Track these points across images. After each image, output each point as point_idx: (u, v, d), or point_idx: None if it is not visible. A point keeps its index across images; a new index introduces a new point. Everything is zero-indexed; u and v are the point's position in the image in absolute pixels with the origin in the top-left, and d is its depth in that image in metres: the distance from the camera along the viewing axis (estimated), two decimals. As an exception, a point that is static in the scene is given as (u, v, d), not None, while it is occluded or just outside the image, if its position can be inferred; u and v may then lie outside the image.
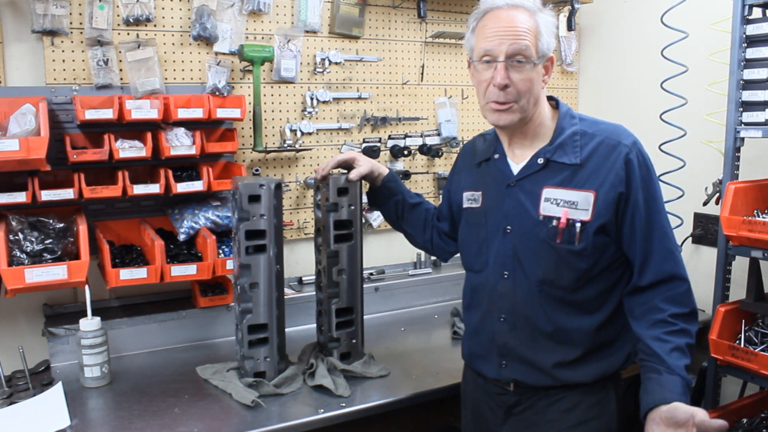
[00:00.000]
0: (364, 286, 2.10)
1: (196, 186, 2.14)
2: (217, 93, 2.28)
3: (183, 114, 2.10)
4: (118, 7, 2.17)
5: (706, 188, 2.44)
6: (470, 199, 1.70)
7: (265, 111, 2.46)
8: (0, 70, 2.07)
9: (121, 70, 2.19)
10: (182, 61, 2.31)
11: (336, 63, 2.61)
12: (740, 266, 2.13)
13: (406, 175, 2.76)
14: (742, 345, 2.01)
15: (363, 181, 1.96)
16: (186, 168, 2.24)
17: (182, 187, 2.11)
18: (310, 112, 2.57)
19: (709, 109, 2.38)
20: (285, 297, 2.00)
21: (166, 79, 2.27)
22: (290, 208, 2.59)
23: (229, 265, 2.14)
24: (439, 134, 2.87)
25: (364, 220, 2.63)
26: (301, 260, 2.64)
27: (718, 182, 2.35)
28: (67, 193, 1.96)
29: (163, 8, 2.26)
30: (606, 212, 1.50)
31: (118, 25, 2.19)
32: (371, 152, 2.65)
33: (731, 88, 2.05)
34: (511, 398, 1.63)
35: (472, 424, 1.76)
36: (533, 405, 1.61)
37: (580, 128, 1.57)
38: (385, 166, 1.99)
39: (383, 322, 2.56)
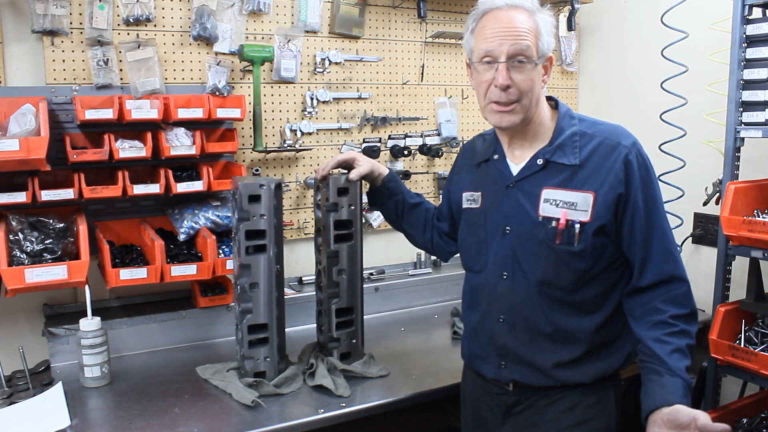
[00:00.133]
0: (364, 286, 2.10)
1: (196, 186, 2.14)
2: (217, 93, 2.28)
3: (183, 114, 2.10)
4: (118, 7, 2.17)
5: (706, 188, 2.44)
6: (470, 200, 1.70)
7: (265, 111, 2.46)
8: (0, 70, 2.07)
9: (121, 70, 2.20)
10: (182, 61, 2.32)
11: (336, 63, 2.61)
12: (740, 266, 2.13)
13: (406, 175, 2.76)
14: (742, 345, 2.01)
15: (363, 181, 1.96)
16: (186, 168, 2.24)
17: (182, 187, 2.11)
18: (310, 112, 2.57)
19: (709, 109, 2.38)
20: (285, 297, 2.00)
21: (166, 79, 2.27)
22: (290, 208, 2.59)
23: (229, 265, 2.14)
24: (439, 134, 2.87)
25: (364, 220, 2.63)
26: (301, 260, 2.64)
27: (718, 182, 2.35)
28: (67, 193, 1.96)
29: (163, 8, 2.26)
30: (605, 213, 1.50)
31: (118, 25, 2.19)
32: (371, 152, 2.65)
33: (731, 88, 2.05)
34: (510, 398, 1.63)
35: (472, 424, 1.77)
36: (532, 405, 1.61)
37: (580, 129, 1.56)
38: (385, 166, 1.99)
39: (383, 322, 2.56)
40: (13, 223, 1.95)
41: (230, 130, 2.31)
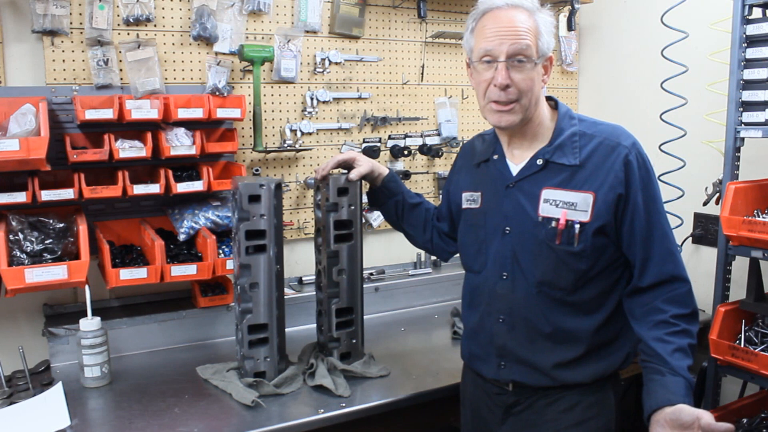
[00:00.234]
0: (364, 286, 2.10)
1: (196, 186, 2.14)
2: (217, 93, 2.28)
3: (183, 114, 2.10)
4: (118, 7, 2.17)
5: (706, 188, 2.44)
6: (469, 200, 1.70)
7: (265, 111, 2.46)
8: (0, 70, 2.07)
9: (121, 70, 2.20)
10: (182, 61, 2.32)
11: (336, 63, 2.61)
12: (740, 266, 2.13)
13: (406, 175, 2.76)
14: (742, 345, 2.01)
15: (363, 181, 1.96)
16: (186, 168, 2.24)
17: (182, 187, 2.11)
18: (310, 112, 2.57)
19: (709, 109, 2.38)
20: (285, 297, 2.00)
21: (166, 79, 2.27)
22: (290, 208, 2.59)
23: (229, 265, 2.14)
24: (439, 134, 2.87)
25: (364, 220, 2.63)
26: (301, 260, 2.64)
27: (718, 182, 2.35)
28: (67, 193, 1.96)
29: (163, 8, 2.26)
30: (605, 213, 1.50)
31: (118, 25, 2.19)
32: (371, 152, 2.65)
33: (731, 88, 2.05)
34: (509, 398, 1.63)
35: (471, 424, 1.76)
36: (532, 405, 1.61)
37: (579, 129, 1.56)
38: (385, 166, 1.99)
39: (383, 322, 2.56)
40: (13, 223, 1.95)
41: (230, 130, 2.31)
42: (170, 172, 2.12)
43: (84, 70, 2.15)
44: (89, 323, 1.93)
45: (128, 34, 2.21)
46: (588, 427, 1.58)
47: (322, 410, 1.78)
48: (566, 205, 1.52)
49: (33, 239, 1.95)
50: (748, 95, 2.02)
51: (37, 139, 1.82)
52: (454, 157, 1.90)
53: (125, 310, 2.29)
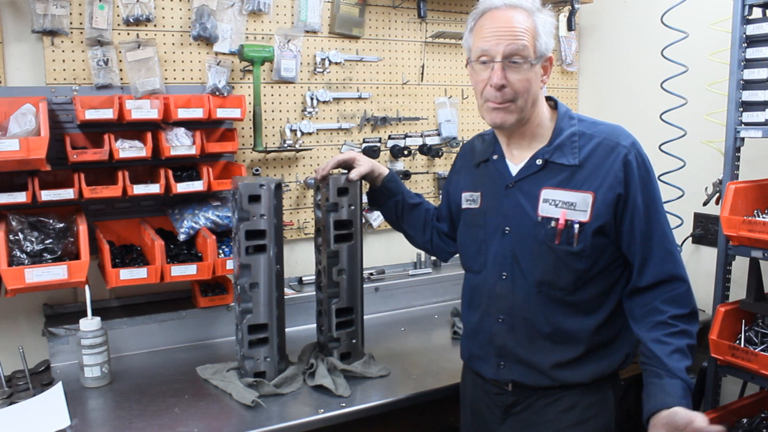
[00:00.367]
0: (364, 286, 2.10)
1: (196, 186, 2.14)
2: (217, 93, 2.28)
3: (183, 114, 2.10)
4: (118, 7, 2.17)
5: (706, 188, 2.44)
6: (469, 200, 1.70)
7: (265, 111, 2.46)
8: (0, 70, 2.07)
9: (121, 70, 2.20)
10: (182, 61, 2.32)
11: (336, 63, 2.61)
12: (740, 266, 2.13)
13: (406, 175, 2.76)
14: (742, 345, 2.01)
15: (363, 181, 1.96)
16: (186, 168, 2.24)
17: (182, 187, 2.11)
18: (310, 112, 2.57)
19: (709, 109, 2.38)
20: (285, 297, 2.00)
21: (166, 79, 2.27)
22: (290, 208, 2.59)
23: (229, 265, 2.14)
24: (439, 134, 2.87)
25: (364, 220, 2.63)
26: (301, 260, 2.64)
27: (718, 182, 2.35)
28: (67, 193, 1.97)
29: (163, 8, 2.26)
30: (605, 213, 1.50)
31: (118, 25, 2.19)
32: (371, 152, 2.65)
33: (731, 88, 2.05)
34: (509, 398, 1.63)
35: (471, 423, 1.77)
36: (532, 405, 1.61)
37: (579, 129, 1.56)
38: (385, 166, 1.99)
39: (383, 322, 2.57)
40: (13, 223, 1.95)
41: (230, 130, 2.31)
42: (170, 172, 2.12)
43: (84, 70, 2.15)
44: (89, 323, 1.93)
45: (128, 34, 2.21)
46: (587, 427, 1.58)
47: (322, 410, 1.78)
48: (565, 205, 1.52)
49: (33, 239, 1.95)
50: (748, 95, 2.02)
51: (37, 139, 1.82)
52: (454, 157, 1.90)
53: (125, 310, 2.29)
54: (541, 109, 1.59)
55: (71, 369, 2.02)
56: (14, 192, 1.90)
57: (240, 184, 1.84)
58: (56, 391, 1.87)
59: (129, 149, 2.06)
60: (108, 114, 2.02)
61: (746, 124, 2.04)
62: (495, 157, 1.66)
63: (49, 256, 1.95)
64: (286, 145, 2.51)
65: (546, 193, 1.54)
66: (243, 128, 2.42)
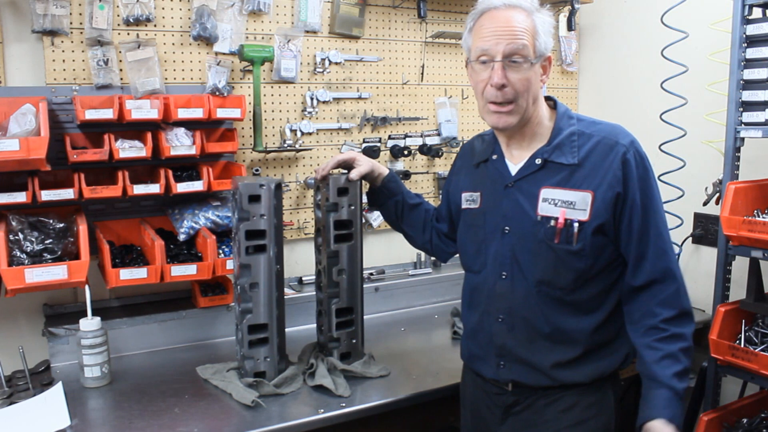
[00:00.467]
0: (364, 286, 2.10)
1: (196, 186, 2.14)
2: (217, 93, 2.28)
3: (183, 114, 2.10)
4: (118, 7, 2.17)
5: (706, 188, 2.44)
6: (469, 200, 1.70)
7: (265, 111, 2.46)
8: (0, 70, 2.07)
9: (121, 70, 2.20)
10: (182, 61, 2.32)
11: (336, 63, 2.61)
12: (740, 266, 2.13)
13: (406, 175, 2.76)
14: (742, 345, 2.01)
15: (363, 181, 1.96)
16: (186, 168, 2.24)
17: (182, 187, 2.11)
18: (310, 112, 2.57)
19: (709, 109, 2.38)
20: (285, 297, 2.00)
21: (166, 79, 2.27)
22: (290, 208, 2.59)
23: (229, 265, 2.14)
24: (439, 134, 2.87)
25: (364, 220, 2.63)
26: (301, 260, 2.64)
27: (718, 182, 2.35)
28: (67, 193, 1.97)
29: (163, 8, 2.26)
30: (604, 212, 1.50)
31: (118, 25, 2.19)
32: (371, 152, 2.65)
33: (731, 88, 2.05)
34: (509, 398, 1.63)
35: (471, 423, 1.77)
36: (531, 405, 1.61)
37: (578, 128, 1.57)
38: (385, 166, 1.99)
39: (383, 322, 2.57)
40: (13, 223, 1.95)
41: (230, 130, 2.31)
42: (170, 172, 2.12)
43: (84, 70, 2.15)
44: (89, 323, 1.93)
45: (128, 34, 2.21)
46: (587, 427, 1.58)
47: (322, 410, 1.78)
48: (565, 204, 1.52)
49: (33, 239, 1.95)
50: (748, 95, 2.02)
51: (37, 139, 1.82)
52: (453, 157, 1.90)
53: (125, 310, 2.29)
54: (540, 109, 1.59)
55: (71, 369, 2.02)
56: (14, 192, 1.89)
57: (240, 184, 1.84)
58: (56, 391, 1.87)
59: (129, 149, 2.06)
60: (108, 114, 2.02)
61: (746, 124, 2.04)
62: (494, 157, 1.66)
63: (49, 256, 1.95)
64: (286, 145, 2.51)
65: (545, 193, 1.54)
66: (243, 128, 2.42)
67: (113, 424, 1.72)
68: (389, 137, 2.76)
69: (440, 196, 2.29)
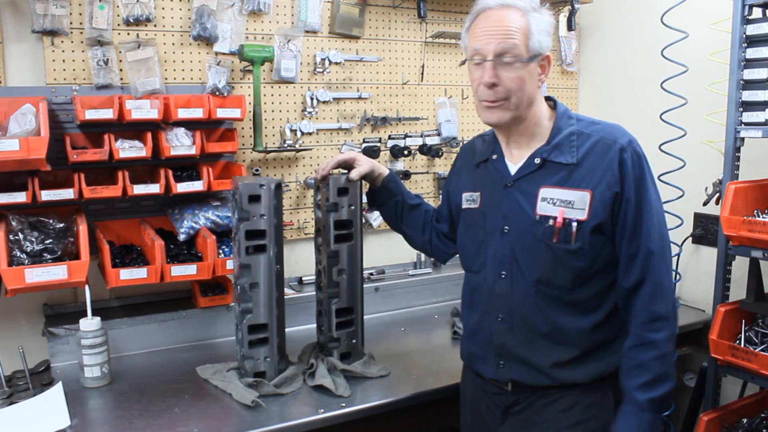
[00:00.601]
0: (364, 286, 2.10)
1: (196, 186, 2.14)
2: (217, 93, 2.28)
3: (183, 114, 2.10)
4: (118, 7, 2.17)
5: (706, 188, 2.44)
6: (469, 200, 1.70)
7: (265, 111, 2.46)
8: (0, 70, 2.07)
9: (121, 70, 2.20)
10: (182, 61, 2.32)
11: (336, 63, 2.61)
12: (740, 266, 2.13)
13: (406, 175, 2.76)
14: (742, 345, 2.01)
15: (363, 181, 1.96)
16: (186, 168, 2.24)
17: (182, 187, 2.11)
18: (310, 112, 2.57)
19: (709, 109, 2.38)
20: (285, 297, 2.00)
21: (166, 79, 2.27)
22: (290, 208, 2.59)
23: (229, 265, 2.14)
24: (439, 134, 2.87)
25: (364, 220, 2.63)
26: (301, 260, 2.64)
27: (718, 182, 2.35)
28: (67, 193, 1.97)
29: (163, 8, 2.26)
30: (602, 212, 1.50)
31: (118, 25, 2.19)
32: (371, 152, 2.65)
33: (731, 88, 2.05)
34: (509, 398, 1.63)
35: (471, 423, 1.77)
36: (531, 405, 1.61)
37: (577, 128, 1.57)
38: (385, 166, 1.99)
39: (383, 322, 2.57)
40: (13, 223, 1.95)
41: (230, 130, 2.31)
42: (170, 172, 2.12)
43: (84, 70, 2.15)
44: (89, 323, 1.93)
45: (128, 34, 2.21)
46: (587, 427, 1.58)
47: (322, 410, 1.78)
48: (563, 204, 1.52)
49: (33, 239, 1.95)
50: (748, 95, 2.02)
51: (37, 139, 1.82)
52: (454, 157, 1.90)
53: (125, 310, 2.29)
54: (539, 109, 1.60)
55: (71, 369, 2.02)
56: (14, 192, 1.90)
57: (240, 184, 1.84)
58: (56, 391, 1.87)
59: (129, 149, 2.06)
60: (108, 114, 2.02)
61: (746, 124, 2.04)
62: (494, 156, 1.66)
63: (49, 256, 1.95)
64: (286, 145, 2.51)
65: (544, 192, 1.55)
66: (243, 128, 2.42)
67: (113, 424, 1.72)
68: (389, 137, 2.76)
69: (440, 196, 2.29)
